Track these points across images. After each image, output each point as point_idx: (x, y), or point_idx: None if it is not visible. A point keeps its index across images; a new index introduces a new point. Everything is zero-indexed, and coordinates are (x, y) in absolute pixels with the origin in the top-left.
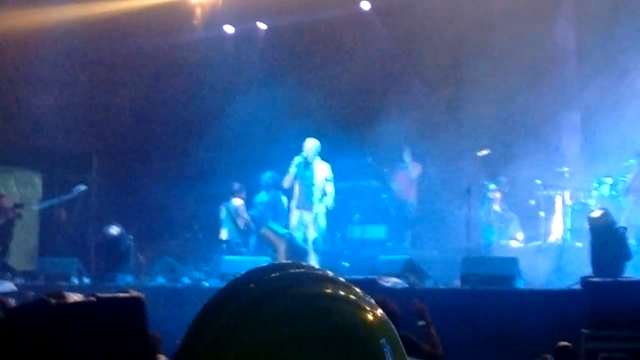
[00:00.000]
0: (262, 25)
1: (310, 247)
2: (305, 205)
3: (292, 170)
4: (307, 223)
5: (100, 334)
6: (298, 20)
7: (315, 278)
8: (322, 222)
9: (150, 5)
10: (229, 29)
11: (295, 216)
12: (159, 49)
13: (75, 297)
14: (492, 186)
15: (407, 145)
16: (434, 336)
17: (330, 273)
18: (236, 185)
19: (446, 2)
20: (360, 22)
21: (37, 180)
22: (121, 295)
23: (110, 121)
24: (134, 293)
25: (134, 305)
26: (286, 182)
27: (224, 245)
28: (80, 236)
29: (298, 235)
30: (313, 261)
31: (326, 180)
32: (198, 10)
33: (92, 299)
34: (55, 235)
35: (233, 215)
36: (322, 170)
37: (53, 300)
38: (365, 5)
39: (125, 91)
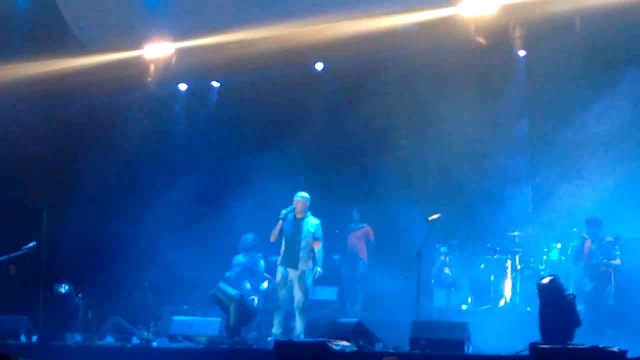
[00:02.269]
0: (215, 84)
1: (296, 307)
2: (291, 263)
3: (279, 224)
4: (291, 280)
5: None
6: (251, 78)
7: None
8: (309, 281)
9: (104, 62)
10: (182, 87)
11: (279, 272)
12: (112, 105)
13: None
14: (442, 249)
15: (357, 208)
16: None
17: None
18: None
19: (402, 69)
20: (314, 82)
21: None
22: None
23: (62, 176)
24: None
25: None
26: (273, 236)
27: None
28: (29, 293)
29: (282, 294)
30: (298, 322)
31: (314, 237)
32: (152, 67)
33: None
34: (4, 292)
35: None
36: (311, 226)
37: None
38: (319, 66)
39: (77, 147)
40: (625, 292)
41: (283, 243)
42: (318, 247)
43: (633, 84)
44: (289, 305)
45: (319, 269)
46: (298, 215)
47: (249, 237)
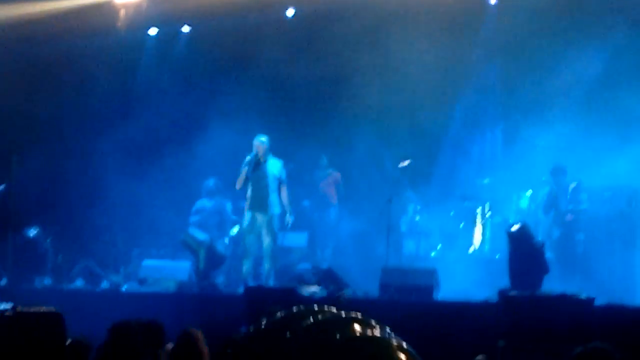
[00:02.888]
0: (185, 28)
1: (265, 252)
2: (259, 207)
3: (244, 170)
4: (260, 225)
5: (20, 349)
6: (221, 23)
7: (344, 321)
8: (276, 224)
9: (74, 7)
10: (152, 31)
11: (247, 218)
12: (81, 50)
13: None
14: (411, 196)
15: (324, 153)
16: None
17: (355, 314)
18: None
19: (371, 14)
20: (284, 28)
21: None
22: (41, 310)
23: (30, 120)
24: (51, 309)
25: (53, 321)
26: (238, 183)
27: None
28: None
29: (250, 239)
30: (267, 267)
31: (280, 179)
32: (122, 12)
33: (10, 313)
34: None
35: None
36: (274, 169)
37: None
38: (290, 12)
39: (45, 90)
40: (594, 239)
41: (250, 188)
42: (284, 191)
43: (607, 31)
44: (258, 250)
45: (288, 217)
46: (261, 159)
47: (210, 182)
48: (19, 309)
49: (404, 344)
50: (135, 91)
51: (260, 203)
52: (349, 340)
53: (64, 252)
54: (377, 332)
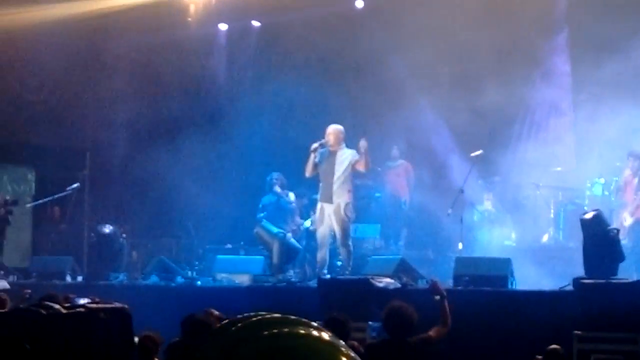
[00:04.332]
0: (255, 23)
1: (339, 243)
2: (326, 197)
3: (312, 158)
4: (329, 216)
5: (89, 346)
6: (291, 18)
7: (290, 322)
8: (344, 213)
9: (145, 3)
10: (222, 27)
11: (317, 209)
12: (153, 45)
13: (63, 307)
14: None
15: (396, 144)
16: (446, 309)
17: (302, 319)
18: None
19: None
20: (354, 20)
21: (31, 177)
22: (109, 306)
23: (104, 118)
24: (119, 305)
25: (121, 317)
26: (307, 171)
27: None
28: (74, 234)
29: (321, 230)
30: (342, 258)
31: (351, 164)
32: (192, 8)
33: (82, 309)
34: (49, 233)
35: None
36: (344, 159)
37: (44, 312)
38: (359, 4)
39: (119, 87)
40: None
41: (321, 179)
42: (362, 166)
43: None
44: (332, 242)
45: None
46: (331, 149)
47: (272, 176)
48: (91, 301)
49: (348, 350)
50: (211, 87)
51: (326, 193)
52: (290, 337)
53: (139, 248)
54: (322, 334)
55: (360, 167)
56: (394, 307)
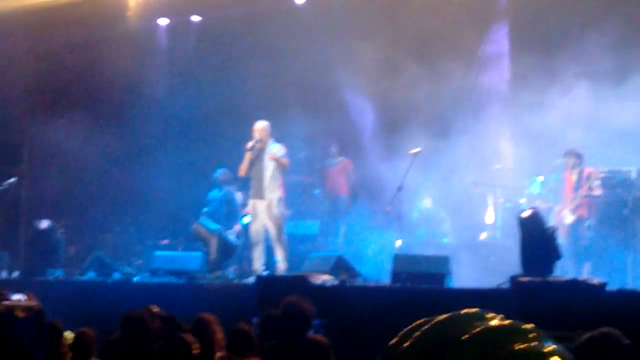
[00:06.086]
0: (195, 18)
1: (272, 240)
2: (258, 194)
3: (248, 157)
4: (260, 212)
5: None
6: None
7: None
8: (277, 209)
9: None
10: (162, 21)
11: (250, 206)
12: (90, 40)
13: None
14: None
15: (335, 142)
16: None
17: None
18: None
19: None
20: (293, 16)
21: None
22: (24, 304)
23: (41, 113)
24: (33, 303)
25: (35, 315)
26: (241, 171)
27: None
28: (10, 229)
29: (254, 227)
30: (278, 255)
31: (277, 158)
32: (132, 2)
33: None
34: None
35: None
36: (275, 153)
37: None
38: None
39: (56, 83)
40: (605, 225)
41: (252, 176)
42: (283, 167)
43: None
44: (266, 239)
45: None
46: (258, 145)
47: (219, 172)
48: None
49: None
50: (148, 82)
51: (257, 190)
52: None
53: (76, 244)
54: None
55: (284, 163)
56: (291, 303)
